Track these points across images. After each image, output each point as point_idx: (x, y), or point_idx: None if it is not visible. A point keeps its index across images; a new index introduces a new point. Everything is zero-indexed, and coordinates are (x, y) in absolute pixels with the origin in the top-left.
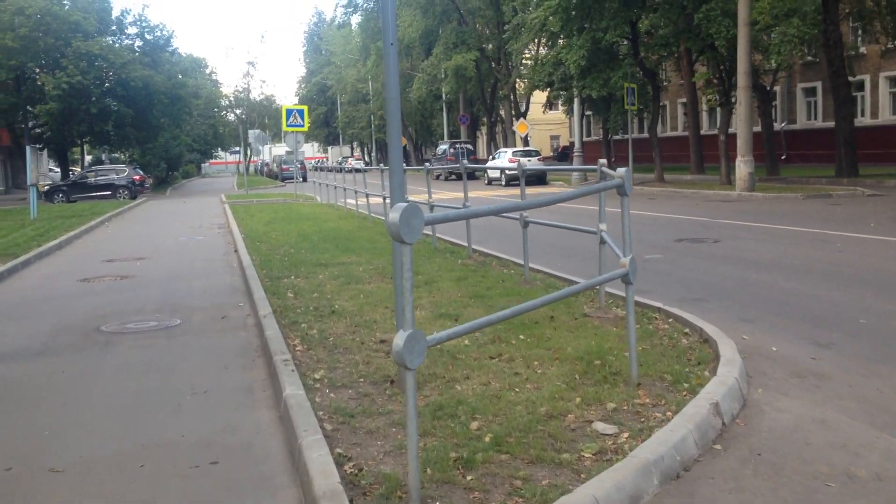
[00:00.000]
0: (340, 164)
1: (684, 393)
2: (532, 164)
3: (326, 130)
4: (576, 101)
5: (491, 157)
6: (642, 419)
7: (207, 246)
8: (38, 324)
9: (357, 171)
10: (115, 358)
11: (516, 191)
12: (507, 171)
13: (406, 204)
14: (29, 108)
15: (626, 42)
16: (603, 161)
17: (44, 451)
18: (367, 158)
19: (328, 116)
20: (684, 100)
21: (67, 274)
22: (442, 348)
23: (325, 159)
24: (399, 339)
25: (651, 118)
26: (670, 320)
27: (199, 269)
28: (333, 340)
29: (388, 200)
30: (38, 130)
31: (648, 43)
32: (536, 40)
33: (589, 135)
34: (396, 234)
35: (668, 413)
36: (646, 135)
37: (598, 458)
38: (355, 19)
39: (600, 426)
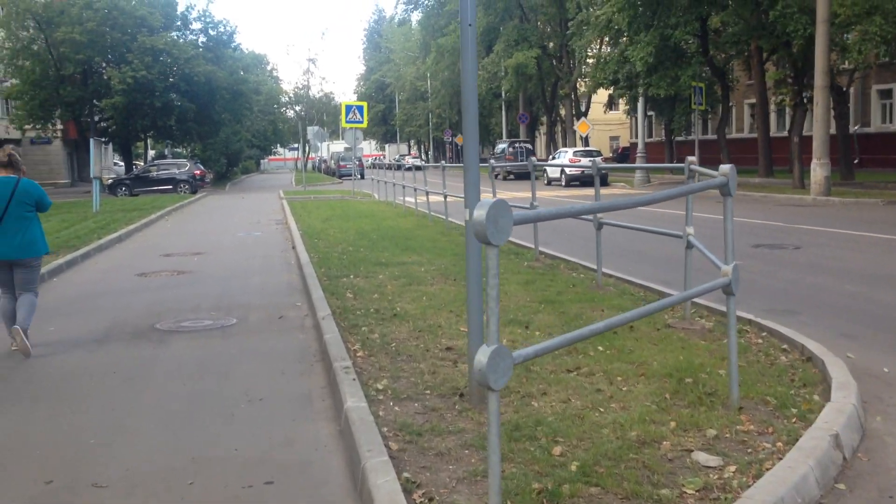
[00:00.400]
0: (397, 161)
1: (793, 420)
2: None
3: (384, 128)
4: (640, 100)
5: (551, 156)
6: (749, 450)
7: (265, 242)
8: (92, 320)
9: (416, 168)
10: (168, 359)
11: (578, 191)
12: (568, 171)
13: (494, 199)
14: (95, 102)
15: (693, 40)
16: (692, 158)
17: (88, 462)
18: (423, 156)
19: (386, 114)
20: (751, 100)
21: (125, 268)
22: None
23: (382, 157)
24: (482, 356)
25: (720, 119)
26: (764, 334)
27: (256, 266)
28: (396, 346)
29: (449, 199)
30: (103, 124)
31: (717, 41)
32: (600, 38)
33: (650, 135)
34: (482, 235)
35: (779, 444)
36: (710, 136)
37: (704, 496)
38: (415, 16)
39: (702, 457)
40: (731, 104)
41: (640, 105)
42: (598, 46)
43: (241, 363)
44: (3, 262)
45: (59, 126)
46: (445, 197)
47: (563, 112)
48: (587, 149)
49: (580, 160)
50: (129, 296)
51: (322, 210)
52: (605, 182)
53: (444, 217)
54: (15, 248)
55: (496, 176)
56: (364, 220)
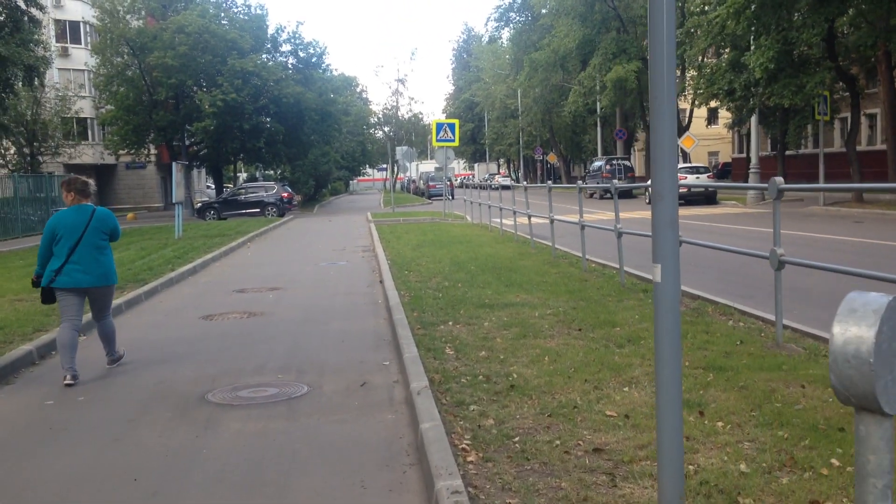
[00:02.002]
0: (487, 181)
1: None
2: (702, 182)
3: (473, 147)
4: (755, 112)
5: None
6: None
7: (349, 274)
8: (134, 386)
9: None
10: (211, 454)
11: (687, 211)
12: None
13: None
14: (187, 126)
15: (819, 44)
16: (779, 179)
17: None
18: (513, 175)
19: (475, 133)
20: (871, 110)
21: (191, 309)
22: (708, 481)
23: (471, 176)
24: None
25: (850, 130)
26: None
27: (337, 306)
28: (521, 442)
29: (554, 223)
30: (194, 148)
31: (843, 45)
32: (710, 47)
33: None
34: (857, 383)
35: None
36: (830, 149)
37: None
38: (505, 34)
39: None
40: (845, 115)
41: (754, 118)
42: (700, 58)
43: (306, 466)
44: (77, 290)
45: (153, 151)
46: (552, 222)
47: None
48: (694, 165)
49: (686, 177)
50: (185, 348)
51: (412, 235)
52: (713, 200)
53: (546, 243)
54: (91, 277)
55: (591, 195)
56: (458, 247)
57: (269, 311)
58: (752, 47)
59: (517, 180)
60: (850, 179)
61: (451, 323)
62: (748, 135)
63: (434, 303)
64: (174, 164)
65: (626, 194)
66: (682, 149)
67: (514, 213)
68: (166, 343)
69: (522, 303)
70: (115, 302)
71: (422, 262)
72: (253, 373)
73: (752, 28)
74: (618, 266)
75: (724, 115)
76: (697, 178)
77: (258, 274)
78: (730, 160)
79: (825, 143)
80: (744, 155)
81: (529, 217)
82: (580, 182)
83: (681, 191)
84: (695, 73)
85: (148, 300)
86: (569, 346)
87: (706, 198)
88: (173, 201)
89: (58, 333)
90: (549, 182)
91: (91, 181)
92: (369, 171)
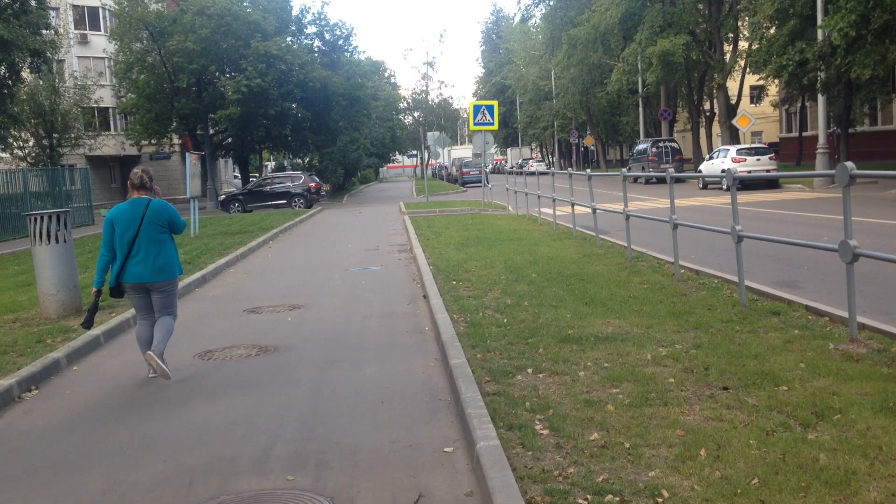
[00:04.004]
0: (521, 166)
1: None
2: (763, 164)
3: (505, 132)
4: (829, 85)
5: (707, 157)
6: None
7: (385, 284)
8: (73, 489)
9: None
10: None
11: (750, 196)
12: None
13: None
14: (210, 115)
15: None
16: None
17: None
18: (547, 159)
19: (506, 117)
20: None
21: (187, 339)
22: None
23: (503, 161)
24: None
25: None
26: None
27: (372, 335)
28: None
29: (597, 211)
30: (219, 136)
31: None
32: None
33: (805, 128)
34: None
35: None
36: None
37: None
38: (539, 12)
39: None
40: None
41: (820, 95)
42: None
43: None
44: (139, 286)
45: (176, 140)
46: (628, 218)
47: (707, 106)
48: (755, 146)
49: (745, 159)
50: (163, 415)
51: (453, 230)
52: (775, 184)
53: (611, 239)
54: (149, 272)
55: (634, 180)
56: (510, 247)
57: (285, 343)
58: (828, 11)
59: (550, 165)
60: None
61: (530, 371)
62: (800, 112)
63: (499, 333)
64: (187, 154)
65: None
66: (740, 129)
67: (572, 204)
68: (133, 404)
69: (619, 334)
70: (93, 332)
71: (470, 266)
72: (250, 467)
73: None
74: (711, 270)
75: (772, 93)
76: (758, 159)
77: (277, 284)
78: (776, 140)
79: (884, 121)
80: (793, 134)
81: (594, 211)
82: (625, 170)
83: (741, 174)
84: (755, 45)
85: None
86: (725, 425)
87: (767, 181)
88: (188, 196)
89: (136, 330)
90: (588, 170)
91: (146, 173)
92: (399, 157)
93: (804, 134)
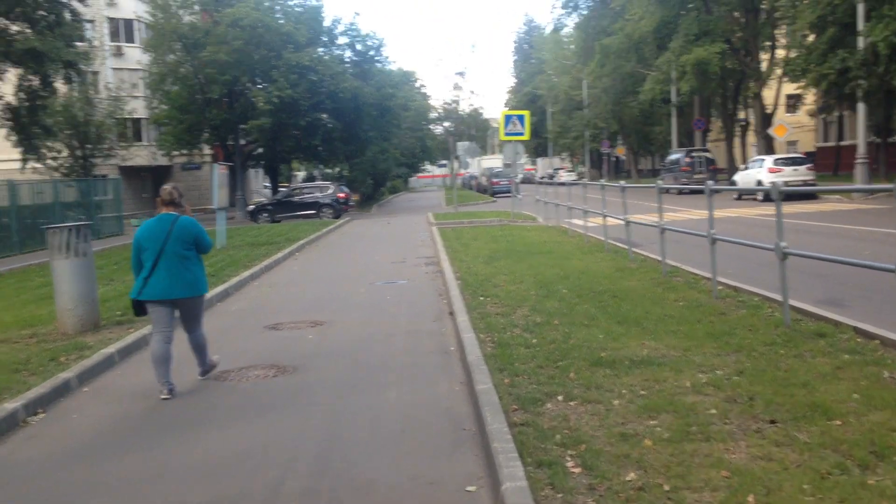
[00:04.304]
0: (552, 176)
1: None
2: (800, 174)
3: (535, 141)
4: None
5: (743, 166)
6: None
7: (411, 299)
8: None
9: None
10: None
11: (788, 208)
12: (769, 184)
13: None
14: (241, 126)
15: None
16: None
17: None
18: (578, 170)
19: (537, 126)
20: None
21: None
22: None
23: (533, 171)
24: None
25: None
26: None
27: (396, 354)
28: None
29: (628, 223)
30: (249, 147)
31: None
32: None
33: (842, 138)
34: None
35: None
36: None
37: None
38: (571, 21)
39: None
40: None
41: (860, 103)
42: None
43: None
44: (164, 302)
45: (207, 151)
46: (663, 231)
47: (741, 115)
48: (793, 156)
49: (782, 170)
50: (169, 442)
51: (481, 242)
52: (813, 195)
53: (644, 252)
54: (176, 288)
55: (667, 190)
56: (540, 260)
57: (305, 363)
58: (869, 18)
59: (581, 175)
60: None
61: (560, 398)
62: (837, 121)
63: (528, 355)
64: (214, 165)
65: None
66: (776, 138)
67: (605, 216)
68: (146, 430)
69: (655, 357)
70: (107, 350)
71: (499, 281)
72: None
73: None
74: (751, 287)
75: (808, 102)
76: (795, 170)
77: (300, 298)
78: (812, 150)
79: None
80: (830, 143)
81: (627, 223)
82: (660, 181)
83: (786, 188)
84: (794, 52)
85: (140, 352)
86: (775, 466)
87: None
88: (215, 207)
89: (150, 347)
90: (622, 182)
91: (173, 188)
92: (429, 167)
93: (841, 143)
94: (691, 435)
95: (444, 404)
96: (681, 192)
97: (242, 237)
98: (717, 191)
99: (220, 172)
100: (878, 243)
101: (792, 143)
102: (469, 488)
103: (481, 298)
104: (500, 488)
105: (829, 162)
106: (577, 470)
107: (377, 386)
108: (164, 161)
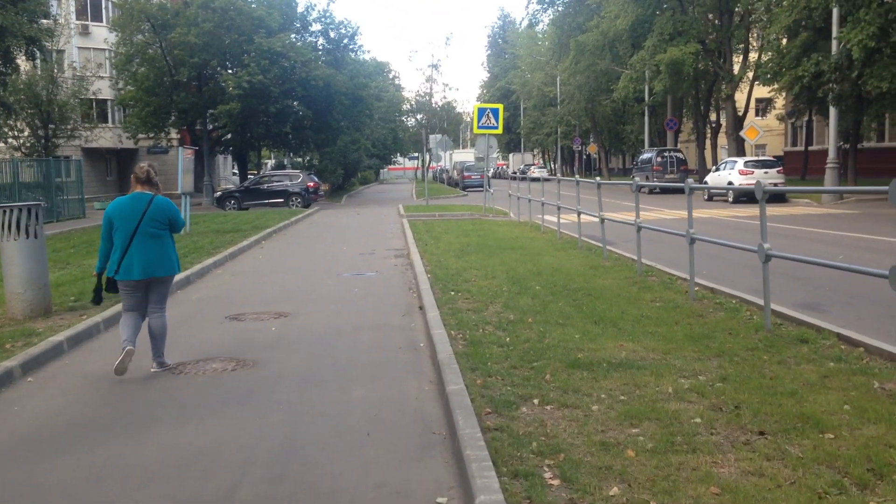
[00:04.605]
0: (523, 172)
1: None
2: (771, 177)
3: (507, 136)
4: (842, 99)
5: (714, 168)
6: None
7: (379, 292)
8: None
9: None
10: None
11: (753, 210)
12: (739, 185)
13: None
14: (210, 110)
15: None
16: None
17: None
18: (549, 166)
19: (510, 122)
20: None
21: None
22: None
23: (504, 166)
24: None
25: None
26: None
27: (362, 351)
28: None
29: (594, 220)
30: (218, 132)
31: None
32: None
33: (810, 142)
34: None
35: None
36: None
37: None
38: (546, 17)
39: None
40: None
41: (832, 109)
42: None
43: None
44: (138, 283)
45: (174, 134)
46: (639, 230)
47: (713, 117)
48: (762, 158)
49: (753, 172)
50: (117, 441)
51: (452, 235)
52: (782, 198)
53: (617, 251)
54: (149, 265)
55: (638, 189)
56: (512, 255)
57: (266, 357)
58: (845, 23)
59: (553, 171)
60: None
61: (536, 401)
62: (806, 126)
63: (501, 354)
64: (179, 149)
65: (675, 190)
66: (748, 141)
67: (578, 213)
68: (93, 426)
69: (634, 360)
70: (55, 338)
71: (470, 276)
72: None
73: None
74: (728, 289)
75: (778, 106)
76: (766, 172)
77: (265, 288)
78: (781, 153)
79: (892, 137)
80: (799, 148)
81: (603, 221)
82: (637, 179)
83: (746, 187)
84: (766, 56)
85: (106, 332)
86: (768, 483)
87: (774, 195)
88: (180, 192)
89: (121, 320)
90: (598, 179)
91: (150, 167)
92: (400, 159)
93: (810, 148)
94: (676, 446)
95: (413, 405)
96: (651, 192)
97: (208, 223)
98: (695, 189)
99: (185, 157)
100: (851, 248)
101: (760, 147)
102: (440, 500)
103: (452, 293)
104: (473, 502)
105: (797, 166)
106: (555, 482)
107: (342, 383)
108: (129, 144)
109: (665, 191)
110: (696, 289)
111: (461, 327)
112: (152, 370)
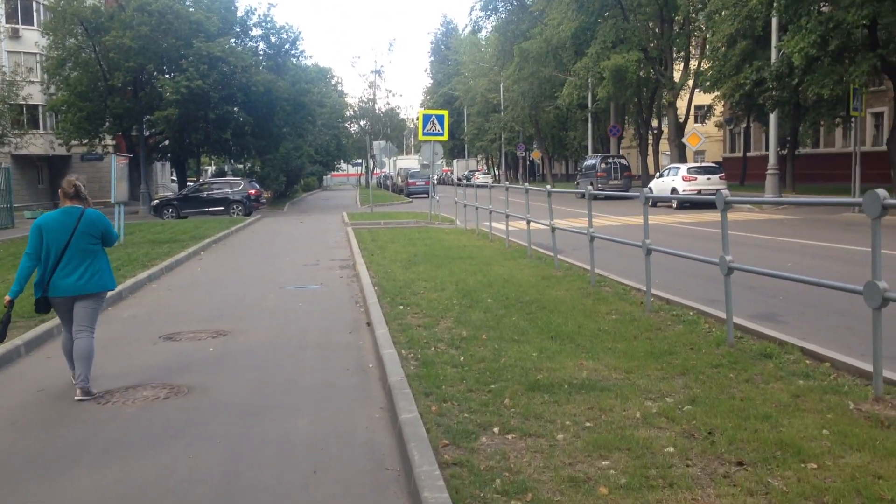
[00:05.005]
0: (468, 178)
1: None
2: (713, 183)
3: (451, 143)
4: (782, 105)
5: (658, 174)
6: None
7: (324, 307)
8: None
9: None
10: None
11: (702, 216)
12: (683, 192)
13: None
14: (147, 116)
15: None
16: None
17: None
18: (493, 172)
19: (454, 128)
20: (877, 109)
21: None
22: None
23: (448, 172)
24: None
25: (894, 126)
26: None
27: (306, 372)
28: None
29: (538, 227)
30: (155, 139)
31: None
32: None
33: (749, 149)
34: None
35: None
36: (840, 149)
37: None
38: (490, 24)
39: None
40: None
41: (772, 115)
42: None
43: None
44: (69, 300)
45: (109, 141)
46: (592, 239)
47: (655, 123)
48: (704, 164)
49: (696, 178)
50: (31, 487)
51: (399, 244)
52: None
53: (566, 260)
54: (81, 283)
55: (581, 195)
56: (462, 265)
57: (203, 382)
58: (786, 31)
59: (497, 178)
60: (878, 181)
61: (496, 430)
62: (744, 133)
63: (456, 375)
64: (113, 156)
65: (620, 196)
66: (689, 147)
67: (528, 220)
68: (5, 469)
69: (597, 380)
70: None
71: (418, 288)
72: None
73: (790, 9)
74: (683, 300)
75: (717, 113)
76: (709, 178)
77: (203, 303)
78: (720, 159)
79: (827, 143)
80: (737, 154)
81: (553, 230)
82: (590, 187)
83: (689, 193)
84: (706, 64)
85: (27, 356)
86: None
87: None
88: (113, 201)
89: (62, 343)
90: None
91: (77, 181)
92: (344, 165)
93: (748, 154)
94: (651, 480)
95: (363, 436)
96: (595, 198)
97: (143, 233)
98: (649, 199)
99: (119, 164)
100: (798, 254)
101: (700, 153)
102: None
103: (401, 307)
104: None
105: (736, 172)
106: None
107: (285, 412)
108: (62, 151)
109: (610, 197)
110: (652, 300)
111: (412, 346)
112: (76, 398)
